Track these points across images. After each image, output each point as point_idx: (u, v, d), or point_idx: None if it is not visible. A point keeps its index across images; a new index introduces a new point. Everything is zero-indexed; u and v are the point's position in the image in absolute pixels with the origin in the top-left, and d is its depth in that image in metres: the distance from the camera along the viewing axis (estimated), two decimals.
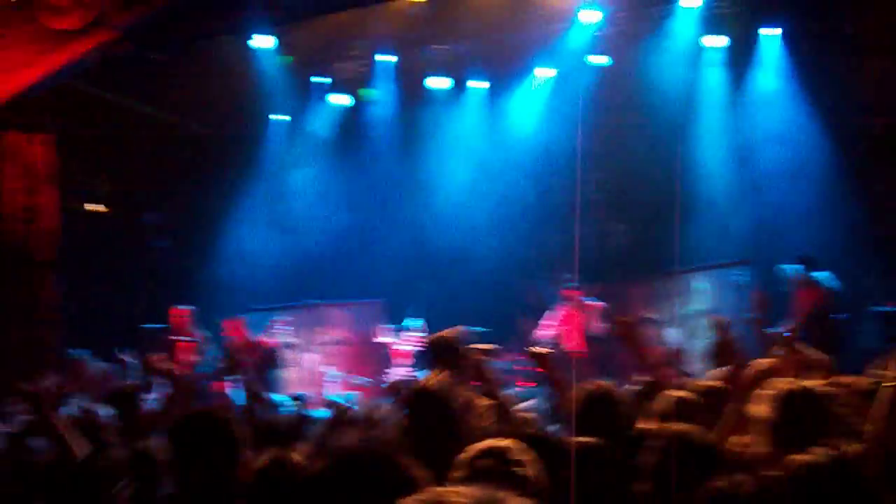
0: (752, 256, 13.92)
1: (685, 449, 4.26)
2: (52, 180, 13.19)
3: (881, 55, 11.63)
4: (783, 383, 4.41)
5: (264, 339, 13.17)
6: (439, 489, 1.73)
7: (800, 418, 4.18)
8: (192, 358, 12.86)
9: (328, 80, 16.93)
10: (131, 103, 15.19)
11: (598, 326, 13.80)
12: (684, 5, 14.75)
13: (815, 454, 3.48)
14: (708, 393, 5.66)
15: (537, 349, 6.13)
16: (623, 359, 13.11)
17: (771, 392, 4.39)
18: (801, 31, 14.36)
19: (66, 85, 13.31)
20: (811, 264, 12.83)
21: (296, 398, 9.39)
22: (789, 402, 4.27)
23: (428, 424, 4.42)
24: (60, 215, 13.21)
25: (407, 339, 14.10)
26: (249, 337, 13.04)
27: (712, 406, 5.49)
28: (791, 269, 12.98)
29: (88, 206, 15.45)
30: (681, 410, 5.36)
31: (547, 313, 14.20)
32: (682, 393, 5.55)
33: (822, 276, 12.76)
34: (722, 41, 15.12)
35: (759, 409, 4.39)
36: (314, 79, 16.81)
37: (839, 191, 13.77)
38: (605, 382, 5.69)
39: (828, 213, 13.88)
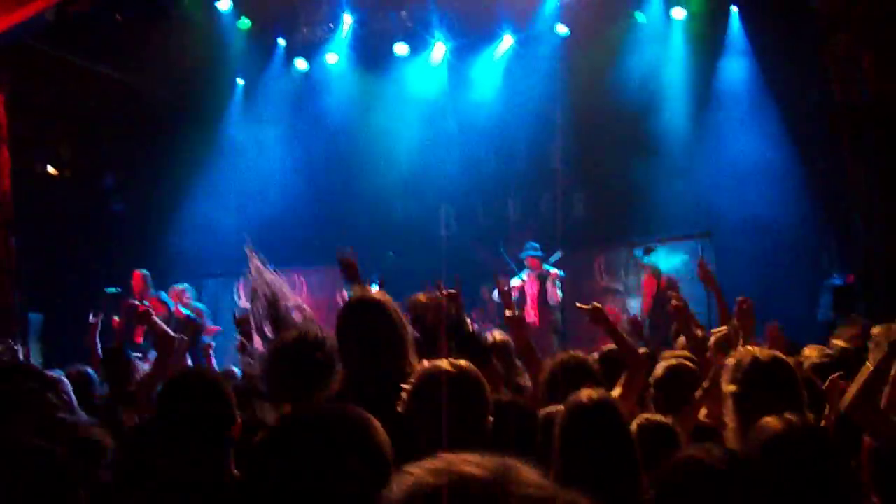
0: (712, 229, 14.00)
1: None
2: (4, 140, 12.96)
3: (843, 30, 11.66)
4: (745, 353, 4.44)
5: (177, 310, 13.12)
6: (450, 455, 1.68)
7: (764, 388, 4.21)
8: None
9: (287, 44, 16.80)
10: (91, 64, 14.94)
11: (554, 295, 13.85)
12: None
13: (784, 421, 3.50)
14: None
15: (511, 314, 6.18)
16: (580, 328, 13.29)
17: (732, 363, 4.42)
18: (763, 4, 14.40)
19: (25, 44, 13.08)
20: (650, 252, 13.14)
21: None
22: (753, 372, 4.29)
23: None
24: (14, 176, 12.99)
25: None
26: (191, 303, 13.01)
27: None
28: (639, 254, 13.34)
29: (48, 169, 15.23)
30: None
31: (508, 280, 14.23)
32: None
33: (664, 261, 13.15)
34: (683, 14, 15.16)
35: (725, 380, 4.43)
36: (277, 43, 16.67)
37: (799, 164, 13.88)
38: (577, 353, 5.73)
39: (787, 188, 13.99)
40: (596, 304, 6.03)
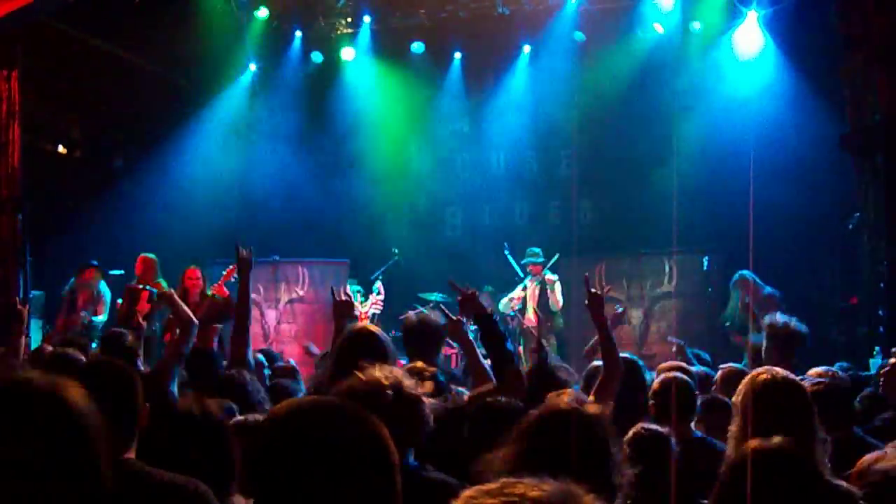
0: (718, 244, 13.98)
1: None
2: (17, 118, 12.94)
3: (860, 51, 11.64)
4: (757, 373, 4.45)
5: (220, 289, 13.01)
6: (509, 480, 1.64)
7: (771, 407, 4.21)
8: (147, 307, 12.75)
9: (304, 36, 16.80)
10: (106, 45, 14.94)
11: (557, 301, 13.87)
12: None
13: (770, 443, 3.51)
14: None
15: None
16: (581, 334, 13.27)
17: (746, 379, 4.43)
18: (783, 18, 14.35)
19: (42, 23, 13.08)
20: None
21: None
22: (763, 391, 4.30)
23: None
24: (26, 154, 12.99)
25: (370, 303, 14.04)
26: (204, 288, 12.88)
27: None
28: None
29: (59, 149, 15.24)
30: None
31: (513, 291, 14.24)
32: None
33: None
34: (699, 25, 15.11)
35: (735, 396, 4.46)
36: (294, 34, 16.67)
37: (810, 184, 13.83)
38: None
39: (797, 206, 13.94)
40: (599, 291, 6.00)
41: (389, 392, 3.65)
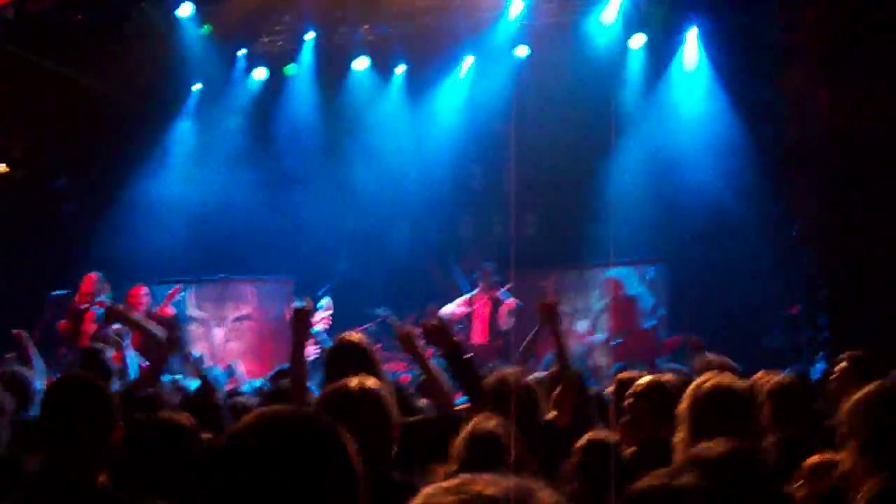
0: (663, 255, 14.12)
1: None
2: None
3: (801, 64, 11.85)
4: (701, 380, 4.51)
5: (163, 309, 12.92)
6: (468, 477, 1.65)
7: (715, 412, 4.28)
8: (94, 327, 12.64)
9: (248, 53, 16.75)
10: (49, 63, 14.81)
11: (507, 321, 13.84)
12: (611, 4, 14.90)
13: (718, 445, 3.56)
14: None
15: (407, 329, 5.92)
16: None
17: (691, 388, 4.49)
18: (725, 31, 14.55)
19: None
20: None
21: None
22: (707, 398, 4.37)
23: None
24: None
25: (319, 319, 13.99)
26: (149, 307, 12.78)
27: None
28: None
29: (0, 168, 15.08)
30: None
31: (458, 298, 14.24)
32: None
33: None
34: (642, 39, 15.27)
35: (682, 404, 4.51)
36: (237, 51, 16.62)
37: (753, 194, 14.03)
38: (514, 370, 5.76)
39: (741, 217, 14.15)
40: (551, 302, 6.05)
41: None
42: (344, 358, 4.96)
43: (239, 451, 2.18)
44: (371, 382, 4.00)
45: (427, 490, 1.66)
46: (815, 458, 4.25)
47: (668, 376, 5.71)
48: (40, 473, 3.73)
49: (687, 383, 6.45)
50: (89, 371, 6.54)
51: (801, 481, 4.16)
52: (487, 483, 1.62)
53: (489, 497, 1.58)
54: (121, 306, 7.01)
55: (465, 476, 1.66)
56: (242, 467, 2.14)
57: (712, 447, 3.55)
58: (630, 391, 5.32)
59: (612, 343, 13.78)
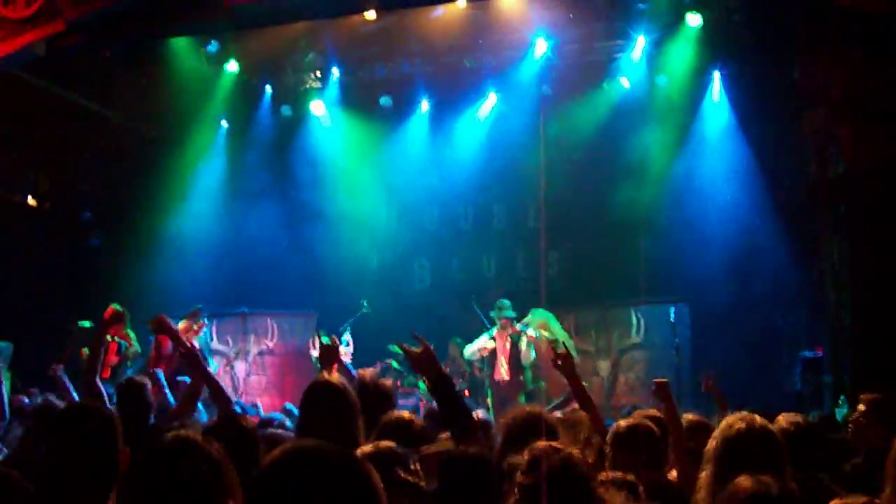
0: (685, 295, 14.08)
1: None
2: None
3: (822, 105, 11.87)
4: (731, 419, 4.49)
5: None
6: None
7: (745, 451, 4.26)
8: (116, 358, 12.71)
9: (273, 90, 16.88)
10: (77, 99, 14.96)
11: (526, 356, 13.80)
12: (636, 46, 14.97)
13: (757, 482, 3.54)
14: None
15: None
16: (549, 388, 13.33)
17: (722, 426, 4.47)
18: (747, 73, 14.59)
19: (11, 75, 13.11)
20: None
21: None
22: (737, 436, 4.35)
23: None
24: None
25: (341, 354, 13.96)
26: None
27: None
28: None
29: (29, 201, 15.21)
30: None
31: (481, 336, 14.22)
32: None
33: None
34: (666, 80, 15.32)
35: (710, 442, 4.49)
36: (263, 88, 16.75)
37: (777, 234, 14.01)
38: (535, 407, 5.74)
39: (764, 258, 14.13)
40: (564, 352, 6.05)
41: None
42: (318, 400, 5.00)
43: (275, 481, 2.26)
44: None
45: None
46: (836, 502, 4.23)
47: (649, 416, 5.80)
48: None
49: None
50: (128, 404, 6.58)
51: None
52: None
53: None
54: (162, 316, 6.97)
55: None
56: (277, 496, 2.23)
57: (746, 484, 3.54)
58: (610, 434, 5.39)
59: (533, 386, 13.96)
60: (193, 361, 6.31)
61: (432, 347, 5.24)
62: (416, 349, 5.24)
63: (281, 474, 2.27)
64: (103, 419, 3.90)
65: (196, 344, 13.12)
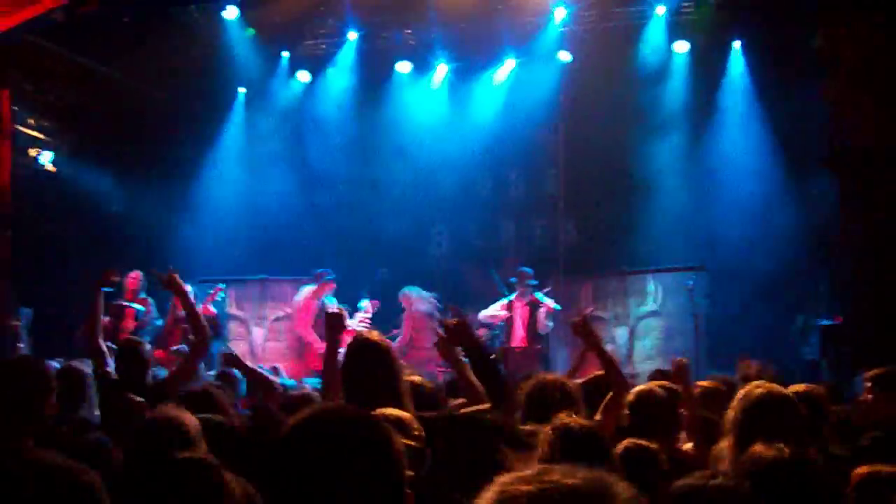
0: (704, 263, 14.06)
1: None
2: (7, 136, 12.97)
3: (842, 73, 11.78)
4: (751, 387, 4.50)
5: (205, 308, 13.02)
6: (545, 467, 1.65)
7: (765, 419, 4.27)
8: (134, 324, 12.79)
9: (291, 55, 16.84)
10: (95, 64, 14.97)
11: (545, 325, 13.83)
12: (655, 12, 14.89)
13: (776, 450, 3.55)
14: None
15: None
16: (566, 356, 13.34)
17: (740, 394, 4.48)
18: (767, 42, 14.51)
19: (31, 41, 13.12)
20: None
21: None
22: (757, 405, 4.36)
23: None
24: (14, 171, 13.01)
25: (357, 320, 14.02)
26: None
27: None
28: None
29: (47, 165, 15.25)
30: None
31: (496, 303, 14.25)
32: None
33: None
34: (686, 47, 15.25)
35: (729, 412, 4.50)
36: (281, 54, 16.72)
37: (795, 202, 13.99)
38: (557, 375, 5.76)
39: (782, 225, 14.10)
40: (583, 316, 6.04)
41: None
42: (362, 357, 5.03)
43: (297, 442, 2.33)
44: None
45: (503, 479, 1.65)
46: (863, 470, 4.24)
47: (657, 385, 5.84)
48: None
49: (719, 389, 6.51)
50: (126, 362, 6.66)
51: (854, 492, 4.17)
52: (565, 473, 1.61)
53: (568, 487, 1.58)
54: (174, 274, 6.98)
55: (542, 466, 1.66)
56: (299, 457, 2.30)
57: (767, 452, 3.55)
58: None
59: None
60: (197, 324, 6.45)
61: (468, 318, 5.32)
62: (451, 320, 5.31)
63: (302, 438, 2.33)
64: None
65: (212, 310, 13.27)
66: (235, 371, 7.49)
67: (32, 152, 14.87)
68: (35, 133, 14.95)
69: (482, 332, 14.35)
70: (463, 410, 5.06)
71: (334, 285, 14.27)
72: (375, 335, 5.28)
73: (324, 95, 17.07)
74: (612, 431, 5.19)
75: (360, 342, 5.14)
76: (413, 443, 3.86)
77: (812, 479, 3.46)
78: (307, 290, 14.36)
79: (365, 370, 4.93)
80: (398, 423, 3.89)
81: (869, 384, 6.33)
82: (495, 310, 14.09)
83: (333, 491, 2.23)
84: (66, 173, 15.40)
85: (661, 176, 15.04)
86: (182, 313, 11.83)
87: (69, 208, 15.34)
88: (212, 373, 9.14)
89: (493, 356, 5.54)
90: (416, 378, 5.62)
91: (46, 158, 15.16)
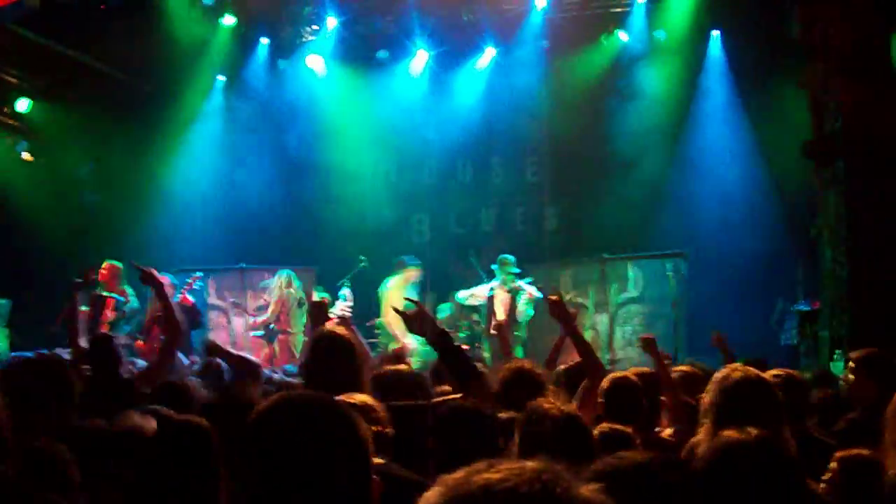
0: (684, 250, 14.09)
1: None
2: None
3: (820, 60, 11.80)
4: (727, 370, 4.49)
5: (183, 298, 12.97)
6: (491, 461, 1.57)
7: (741, 403, 4.26)
8: (113, 314, 12.71)
9: (270, 43, 16.77)
10: (72, 52, 14.87)
11: (522, 312, 13.81)
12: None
13: (743, 433, 3.54)
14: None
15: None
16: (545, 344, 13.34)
17: (717, 378, 4.46)
18: (746, 29, 14.52)
19: (6, 29, 13.03)
20: None
21: None
22: (733, 388, 4.35)
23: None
24: None
25: (338, 309, 14.00)
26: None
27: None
28: None
29: (23, 155, 15.17)
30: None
31: (477, 287, 14.26)
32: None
33: None
34: (665, 36, 15.28)
35: (705, 396, 4.49)
36: (260, 40, 16.65)
37: (774, 189, 14.05)
38: (528, 362, 5.76)
39: (761, 212, 14.16)
40: (556, 296, 6.03)
41: None
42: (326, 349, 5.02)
43: (264, 429, 2.34)
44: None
45: (447, 477, 1.57)
46: (840, 454, 4.25)
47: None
48: None
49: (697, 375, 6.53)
50: (98, 357, 6.64)
51: (832, 475, 4.18)
52: (498, 471, 1.53)
53: (511, 487, 1.50)
54: (152, 269, 6.92)
55: (489, 461, 1.57)
56: (264, 442, 2.31)
57: (738, 436, 3.53)
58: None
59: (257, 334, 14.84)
60: (170, 318, 6.45)
61: (426, 307, 5.26)
62: (409, 310, 5.23)
63: (269, 423, 2.34)
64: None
65: (190, 300, 13.21)
66: (221, 360, 7.46)
67: (9, 141, 14.79)
68: (11, 121, 14.87)
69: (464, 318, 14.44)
70: (437, 399, 5.05)
71: (420, 270, 14.47)
72: (340, 329, 5.25)
73: (303, 83, 17.00)
74: (591, 419, 5.18)
75: (323, 335, 5.13)
76: (378, 428, 3.87)
77: (773, 462, 3.43)
78: (394, 279, 14.34)
79: (328, 362, 4.91)
80: (363, 408, 3.89)
81: (852, 365, 6.34)
82: (473, 291, 14.16)
83: (299, 475, 2.25)
84: (42, 162, 15.32)
85: (641, 163, 15.08)
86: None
87: (46, 197, 15.25)
88: (195, 361, 9.11)
89: (459, 344, 5.49)
90: (403, 367, 5.62)
91: (23, 148, 15.09)
